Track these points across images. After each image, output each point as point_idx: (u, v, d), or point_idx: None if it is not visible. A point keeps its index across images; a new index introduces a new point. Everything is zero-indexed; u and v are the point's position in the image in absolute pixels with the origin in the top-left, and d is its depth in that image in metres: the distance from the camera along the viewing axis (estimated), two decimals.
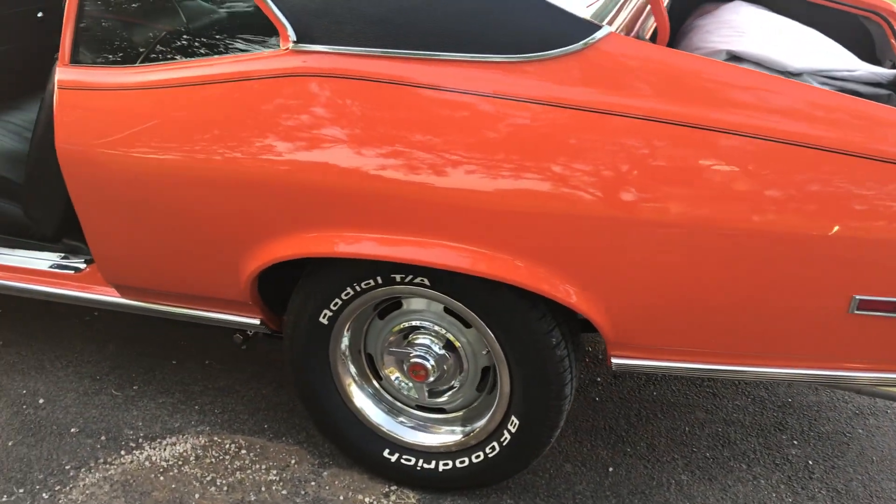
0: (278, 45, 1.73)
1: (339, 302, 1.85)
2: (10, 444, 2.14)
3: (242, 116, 1.70)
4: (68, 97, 1.88)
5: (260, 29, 1.83)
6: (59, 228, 2.32)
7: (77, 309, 2.68)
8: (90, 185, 1.91)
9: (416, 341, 1.90)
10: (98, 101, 1.87)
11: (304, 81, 1.67)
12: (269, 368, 2.43)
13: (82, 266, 2.21)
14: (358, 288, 1.81)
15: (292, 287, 1.94)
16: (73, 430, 2.19)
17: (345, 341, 1.93)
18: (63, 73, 1.87)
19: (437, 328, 1.88)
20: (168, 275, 1.99)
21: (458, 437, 1.93)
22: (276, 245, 1.80)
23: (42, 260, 2.27)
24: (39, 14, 3.00)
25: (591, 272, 1.62)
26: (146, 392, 2.33)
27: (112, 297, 2.17)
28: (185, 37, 1.92)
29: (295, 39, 1.68)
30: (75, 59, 1.89)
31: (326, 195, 1.67)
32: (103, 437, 2.16)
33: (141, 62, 1.89)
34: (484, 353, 1.85)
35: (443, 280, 1.71)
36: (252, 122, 1.69)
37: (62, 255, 2.28)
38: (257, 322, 2.03)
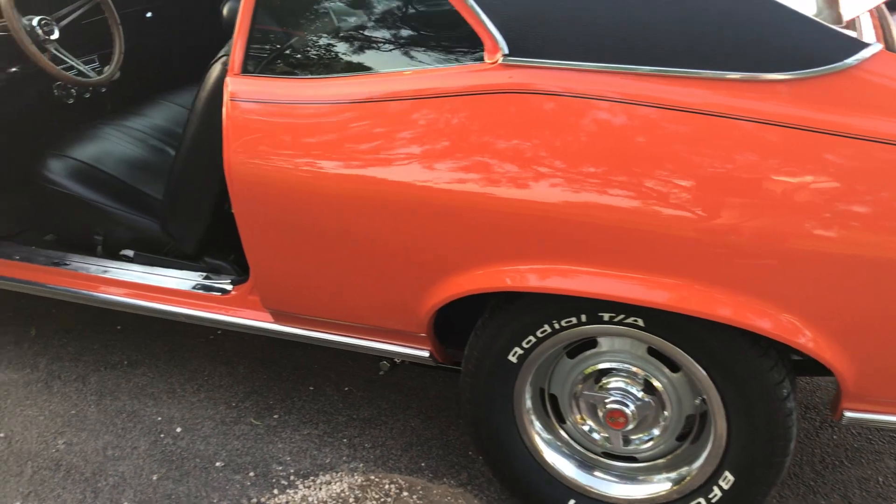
0: (481, 58, 1.55)
1: (533, 340, 1.68)
2: (154, 477, 2.00)
3: (440, 137, 1.55)
4: (240, 109, 1.72)
5: (457, 40, 1.66)
6: (200, 246, 2.17)
7: (200, 327, 2.54)
8: (259, 205, 1.76)
9: (611, 385, 1.72)
10: (273, 115, 1.71)
11: (517, 99, 1.51)
12: (411, 398, 2.27)
13: (228, 288, 2.06)
14: (557, 326, 1.64)
15: (465, 319, 1.77)
16: (217, 463, 2.04)
17: (530, 380, 1.76)
18: (235, 85, 1.73)
19: (633, 369, 1.70)
20: (337, 303, 1.84)
21: (665, 488, 1.75)
22: (468, 277, 1.64)
23: (184, 280, 2.13)
24: (148, 14, 2.86)
25: (839, 317, 1.44)
26: (288, 422, 2.18)
27: (263, 322, 2.03)
28: (368, 48, 1.76)
29: (507, 52, 1.51)
30: (247, 70, 1.74)
31: (537, 226, 1.51)
32: (252, 473, 2.01)
33: (320, 74, 1.73)
34: (697, 401, 1.66)
35: (660, 322, 1.53)
36: (452, 144, 1.54)
37: (203, 274, 2.14)
38: (426, 354, 1.87)
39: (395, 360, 2.06)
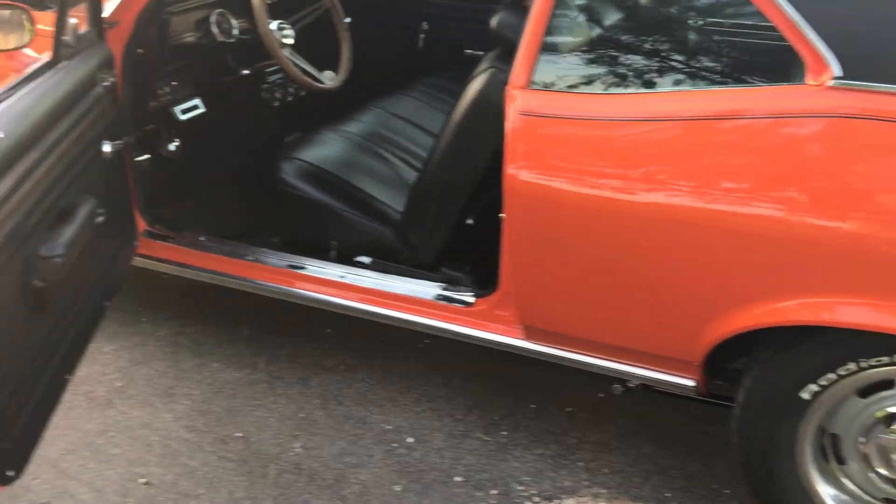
0: (801, 79, 1.47)
1: (833, 378, 1.59)
2: (396, 488, 1.98)
3: (745, 161, 1.53)
4: (531, 124, 1.68)
5: (767, 59, 1.59)
6: (440, 257, 2.15)
7: (409, 335, 2.52)
8: (541, 221, 1.73)
9: None
10: (571, 131, 1.67)
11: (847, 125, 1.43)
12: (641, 423, 2.20)
13: (471, 300, 2.03)
14: (864, 364, 1.55)
15: (729, 349, 1.70)
16: (456, 478, 2.02)
17: (818, 419, 1.66)
18: (526, 99, 1.69)
19: None
20: (611, 325, 1.79)
21: None
22: (767, 308, 1.57)
23: (425, 289, 2.10)
24: (347, 19, 2.86)
25: None
26: (517, 440, 2.14)
27: (511, 338, 1.99)
28: (667, 63, 1.70)
29: (839, 75, 1.42)
30: (535, 83, 1.70)
31: (856, 257, 1.46)
32: (494, 492, 1.98)
33: (619, 90, 1.68)
34: None
35: None
36: (762, 170, 1.51)
37: (441, 285, 2.11)
38: (690, 384, 1.80)
39: (630, 383, 1.99)
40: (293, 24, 2.49)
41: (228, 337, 2.58)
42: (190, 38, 2.44)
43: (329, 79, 2.55)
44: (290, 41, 2.44)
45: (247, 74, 2.63)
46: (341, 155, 2.40)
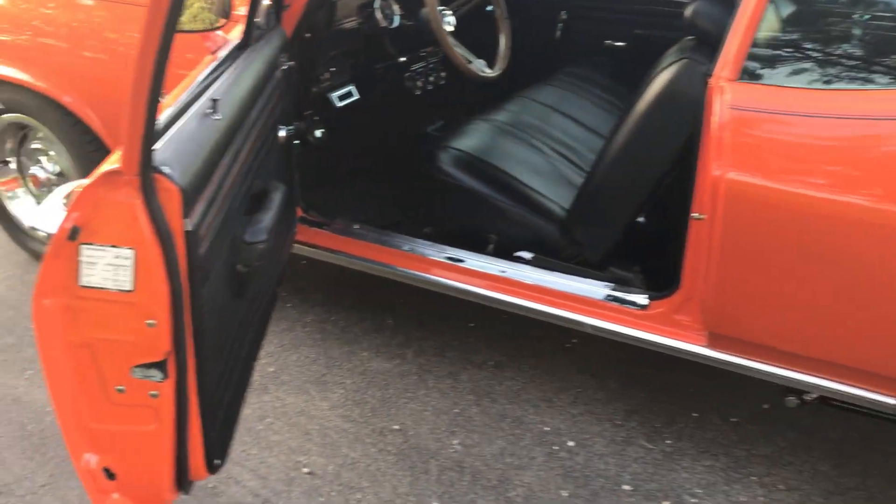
0: None
1: None
2: (563, 493, 1.93)
3: None
4: (743, 121, 1.58)
5: None
6: (607, 256, 2.06)
7: (556, 331, 2.45)
8: (747, 224, 1.62)
9: None
10: (781, 128, 1.57)
11: None
12: (812, 439, 2.10)
13: (644, 302, 1.93)
14: None
15: None
16: (625, 486, 1.94)
17: None
18: (737, 93, 1.59)
19: None
20: (811, 337, 1.67)
21: None
22: None
23: (593, 289, 2.02)
24: (489, 7, 2.79)
25: None
26: (683, 450, 2.05)
27: (690, 344, 1.89)
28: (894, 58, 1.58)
29: None
30: (745, 76, 1.59)
31: None
32: (666, 503, 1.88)
33: (838, 85, 1.56)
34: None
35: None
36: None
37: (609, 284, 2.02)
38: (890, 401, 1.67)
39: (808, 395, 1.88)
40: (454, 12, 2.43)
41: (374, 326, 2.55)
42: (352, 23, 2.40)
43: (484, 68, 2.48)
44: (452, 28, 2.39)
45: (395, 62, 2.59)
46: (497, 145, 2.33)
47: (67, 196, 1.31)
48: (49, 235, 1.19)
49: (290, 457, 2.04)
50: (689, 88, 1.81)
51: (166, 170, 1.15)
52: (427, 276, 2.24)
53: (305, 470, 2.01)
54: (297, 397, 2.25)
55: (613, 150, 2.02)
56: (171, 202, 1.16)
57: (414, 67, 2.77)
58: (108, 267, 1.14)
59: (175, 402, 1.24)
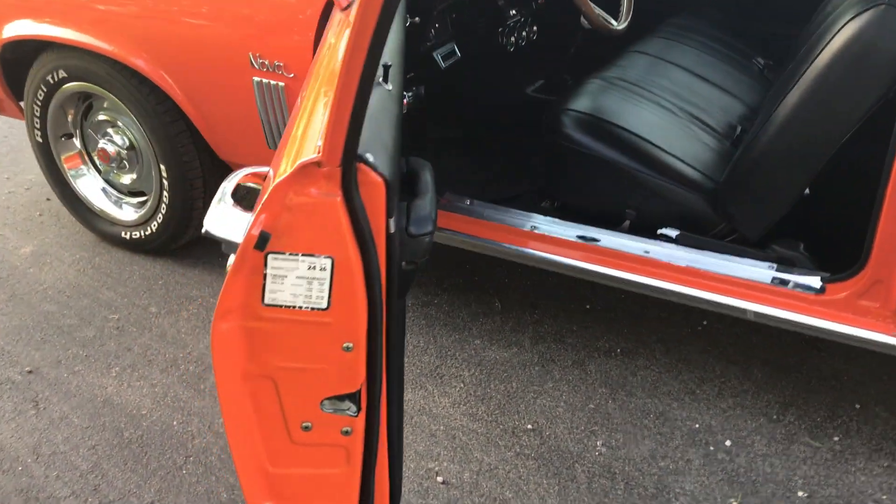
0: None
1: None
2: (732, 502, 1.68)
3: None
4: None
5: None
6: (767, 232, 1.82)
7: (682, 313, 2.23)
8: None
9: None
10: None
11: None
12: None
13: (819, 285, 1.69)
14: None
15: None
16: (800, 493, 1.74)
17: None
18: None
19: None
20: None
21: None
22: None
23: (756, 271, 1.78)
24: None
25: None
26: (854, 448, 1.85)
27: (880, 334, 1.65)
28: None
29: None
30: None
31: None
32: None
33: None
34: None
35: None
36: None
37: (771, 265, 1.78)
38: None
39: None
40: None
41: (481, 310, 2.33)
42: None
43: (612, 20, 2.21)
44: None
45: (494, 16, 2.33)
46: (623, 106, 2.08)
47: (235, 192, 1.07)
48: (227, 244, 0.95)
49: (420, 463, 1.83)
50: (887, 41, 1.55)
51: (370, 158, 0.92)
52: (556, 258, 2.01)
53: (439, 479, 1.80)
54: (414, 393, 2.03)
55: (783, 112, 1.76)
56: (376, 198, 0.93)
57: (510, 21, 2.51)
58: (299, 280, 0.91)
59: (364, 440, 1.01)
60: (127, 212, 2.61)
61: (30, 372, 2.12)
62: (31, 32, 2.31)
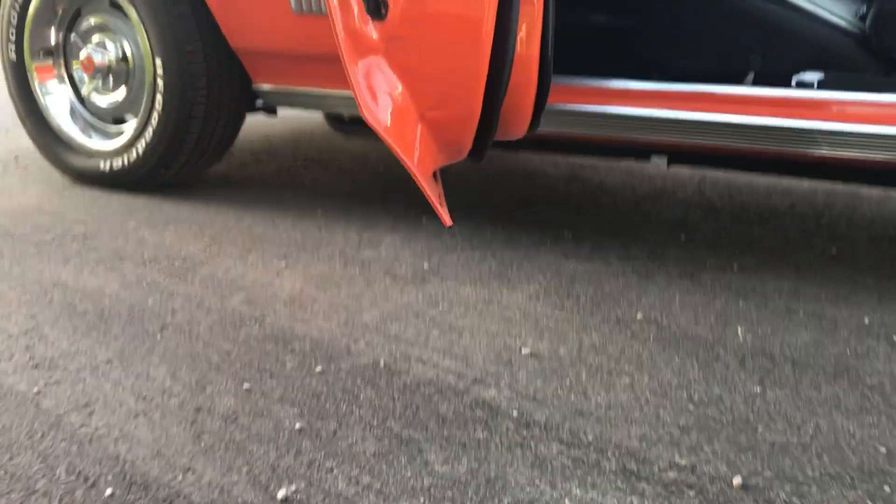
0: None
1: None
2: None
3: None
4: None
5: None
6: None
7: (805, 233, 1.76)
8: None
9: None
10: None
11: None
12: None
13: None
14: None
15: None
16: None
17: None
18: None
19: None
20: None
21: None
22: None
23: None
24: None
25: None
26: None
27: None
28: None
29: None
30: None
31: None
32: None
33: None
34: None
35: None
36: None
37: None
38: None
39: None
40: None
41: (549, 236, 1.83)
42: None
43: None
44: None
45: None
46: None
47: None
48: None
49: (495, 340, 1.29)
50: None
51: None
52: (684, 113, 1.53)
53: (525, 351, 1.24)
54: (473, 288, 1.51)
55: None
56: None
57: None
58: None
59: None
60: (96, 141, 2.15)
61: None
62: None
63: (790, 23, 1.54)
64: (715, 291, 1.55)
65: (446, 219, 1.36)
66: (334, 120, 2.30)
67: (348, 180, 2.36)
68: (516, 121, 1.42)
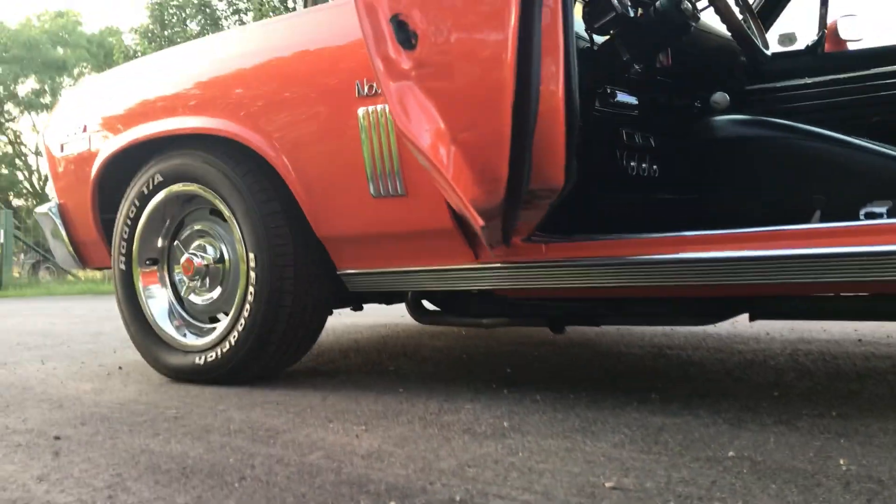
0: None
1: None
2: None
3: None
4: None
5: None
6: None
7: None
8: None
9: None
10: None
11: None
12: None
13: None
14: None
15: None
16: None
17: None
18: None
19: None
20: None
21: None
22: None
23: None
24: None
25: None
26: None
27: None
28: None
29: None
30: None
31: None
32: None
33: None
34: None
35: None
36: None
37: None
38: None
39: None
40: None
41: (633, 398, 1.79)
42: None
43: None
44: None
45: None
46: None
47: None
48: None
49: (577, 479, 1.24)
50: None
51: None
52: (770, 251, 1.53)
53: (609, 484, 1.19)
54: (555, 440, 1.47)
55: None
56: None
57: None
58: None
59: None
60: (190, 339, 2.28)
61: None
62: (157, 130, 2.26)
63: (853, 159, 1.57)
64: (813, 433, 1.47)
65: (479, 220, 1.45)
66: (415, 309, 2.37)
67: (430, 364, 2.39)
68: (550, 158, 1.45)
